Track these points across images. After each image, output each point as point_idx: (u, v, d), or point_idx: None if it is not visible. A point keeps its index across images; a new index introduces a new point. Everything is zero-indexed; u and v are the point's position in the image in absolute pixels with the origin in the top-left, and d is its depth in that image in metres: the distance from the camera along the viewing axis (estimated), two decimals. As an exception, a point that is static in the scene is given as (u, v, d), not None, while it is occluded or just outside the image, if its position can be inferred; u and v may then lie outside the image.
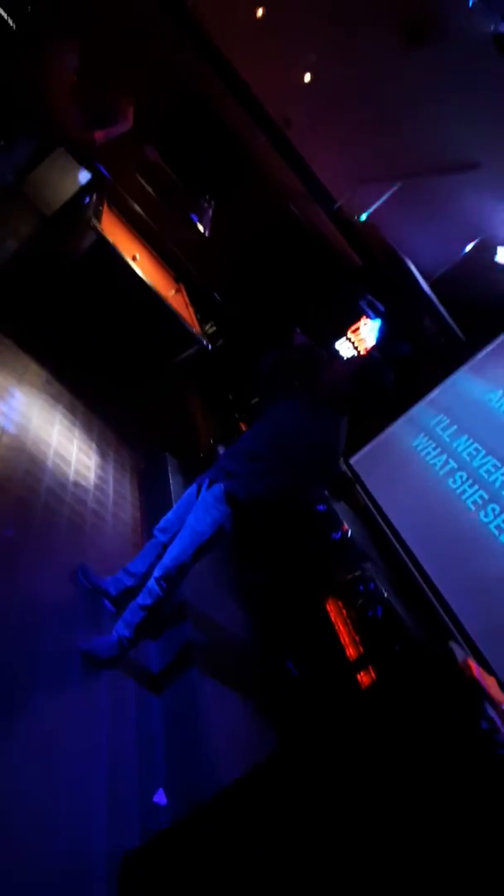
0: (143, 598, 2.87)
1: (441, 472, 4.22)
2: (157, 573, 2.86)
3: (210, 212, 6.33)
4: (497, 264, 4.79)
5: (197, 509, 2.89)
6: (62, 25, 6.44)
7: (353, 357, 2.87)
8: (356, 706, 2.45)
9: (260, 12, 5.22)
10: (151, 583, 2.86)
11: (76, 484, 3.95)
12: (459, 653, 1.84)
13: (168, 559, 2.86)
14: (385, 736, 1.94)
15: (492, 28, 3.32)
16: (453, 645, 2.27)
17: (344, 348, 6.76)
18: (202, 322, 7.15)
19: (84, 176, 7.92)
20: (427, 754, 1.67)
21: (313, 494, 3.50)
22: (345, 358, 2.89)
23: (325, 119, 5.78)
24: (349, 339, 6.76)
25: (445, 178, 4.74)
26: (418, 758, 1.69)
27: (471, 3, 3.36)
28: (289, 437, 2.81)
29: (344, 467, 4.73)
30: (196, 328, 6.13)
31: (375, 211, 5.51)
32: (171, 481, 4.62)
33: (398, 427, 5.03)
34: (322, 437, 2.80)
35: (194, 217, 6.26)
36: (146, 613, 2.86)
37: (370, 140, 5.38)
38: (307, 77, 5.35)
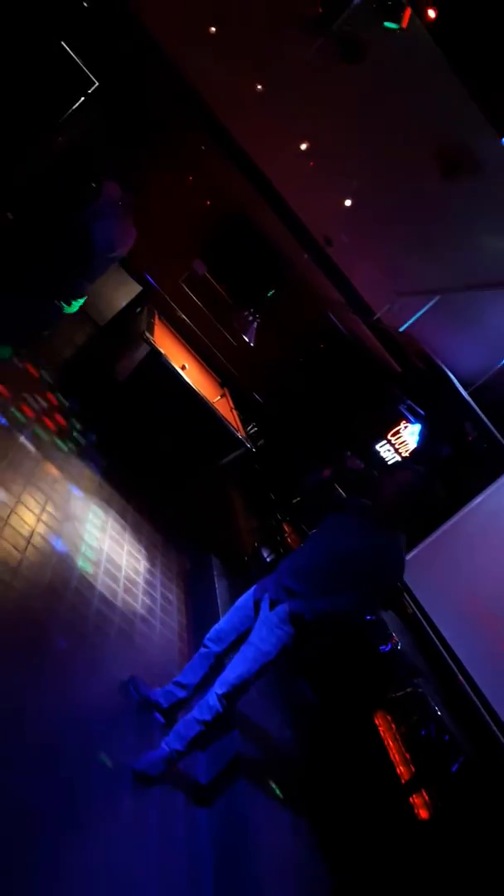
0: (200, 713, 2.86)
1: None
2: (219, 690, 2.85)
3: (255, 324, 6.67)
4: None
5: (260, 629, 2.91)
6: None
7: (404, 476, 2.93)
8: (413, 837, 2.38)
9: (304, 146, 5.69)
10: (212, 699, 2.85)
11: (126, 590, 4.02)
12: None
13: (232, 676, 2.87)
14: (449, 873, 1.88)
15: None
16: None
17: (384, 451, 6.87)
18: (244, 423, 7.38)
19: (135, 288, 8.48)
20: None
21: (375, 610, 3.50)
22: (397, 477, 2.95)
23: (364, 239, 6.14)
24: (390, 442, 6.88)
25: (482, 293, 4.95)
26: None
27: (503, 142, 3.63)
28: (349, 554, 2.85)
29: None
30: (241, 431, 6.33)
31: (414, 323, 5.74)
32: (216, 584, 4.66)
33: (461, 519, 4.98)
34: (381, 554, 2.84)
35: (245, 335, 6.59)
36: (203, 728, 2.84)
37: (408, 257, 5.69)
38: (348, 202, 5.74)
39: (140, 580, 4.29)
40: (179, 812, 2.94)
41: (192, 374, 6.22)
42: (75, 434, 5.20)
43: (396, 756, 3.68)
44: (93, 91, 7.23)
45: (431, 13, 3.05)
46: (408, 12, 3.04)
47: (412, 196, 4.92)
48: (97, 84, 7.16)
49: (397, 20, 3.02)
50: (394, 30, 3.04)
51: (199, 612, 4.49)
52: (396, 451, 6.68)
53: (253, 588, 3.17)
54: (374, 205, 5.55)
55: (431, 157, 4.22)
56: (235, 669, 2.89)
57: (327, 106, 4.66)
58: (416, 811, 3.29)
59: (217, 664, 3.09)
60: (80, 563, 3.76)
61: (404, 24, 3.08)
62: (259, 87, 5.06)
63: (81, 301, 4.98)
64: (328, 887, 3.07)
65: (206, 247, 8.25)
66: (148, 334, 5.66)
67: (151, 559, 4.66)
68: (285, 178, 6.46)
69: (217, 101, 6.31)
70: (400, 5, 3.03)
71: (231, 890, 2.64)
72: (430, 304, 5.51)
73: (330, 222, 6.44)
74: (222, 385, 7.53)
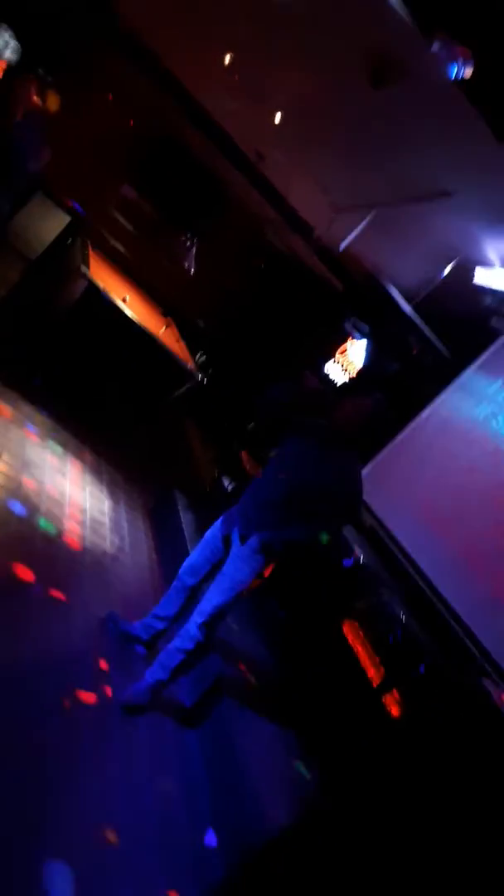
0: (182, 642, 3.00)
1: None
2: (198, 619, 2.98)
3: (193, 249, 6.51)
4: (475, 284, 4.98)
5: (234, 560, 3.02)
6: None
7: (361, 402, 2.99)
8: (389, 735, 2.60)
9: (228, 58, 5.42)
10: (193, 628, 2.98)
11: (94, 530, 4.08)
12: (494, 690, 1.97)
13: (209, 606, 2.99)
14: (425, 771, 2.07)
15: (454, 76, 3.52)
16: (486, 682, 2.40)
17: (333, 370, 6.95)
18: (191, 352, 7.31)
19: (64, 219, 8.11)
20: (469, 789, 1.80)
21: (341, 532, 3.64)
22: (354, 403, 3.01)
23: (296, 153, 5.98)
24: (338, 361, 6.95)
25: (419, 205, 4.94)
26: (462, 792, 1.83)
27: (432, 49, 3.54)
28: (311, 481, 2.92)
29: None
30: (189, 362, 6.29)
31: (353, 238, 5.70)
32: (182, 518, 4.75)
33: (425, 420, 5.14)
34: (343, 477, 2.94)
35: (184, 261, 6.43)
36: (185, 657, 2.99)
37: (343, 172, 5.59)
38: (278, 116, 5.55)
39: (106, 520, 4.34)
40: (169, 738, 3.11)
41: (133, 306, 6.09)
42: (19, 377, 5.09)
43: (367, 661, 3.93)
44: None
45: None
46: None
47: (343, 106, 4.80)
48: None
49: None
50: None
51: (167, 547, 4.59)
52: (344, 369, 6.77)
53: (220, 520, 3.26)
54: (305, 118, 5.39)
55: (360, 65, 4.10)
56: (212, 600, 3.02)
57: (251, 13, 4.43)
58: (388, 710, 3.57)
59: (192, 595, 3.22)
60: (42, 513, 3.77)
61: None
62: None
63: None
64: (318, 791, 3.32)
65: (135, 170, 7.89)
66: (84, 268, 5.48)
67: (115, 498, 4.71)
68: (210, 93, 6.17)
69: (136, 15, 5.90)
70: None
71: (227, 805, 2.83)
72: (368, 219, 5.47)
73: (261, 137, 6.23)
74: (165, 315, 7.40)
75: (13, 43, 4.84)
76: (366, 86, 4.19)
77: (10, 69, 6.13)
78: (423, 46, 3.44)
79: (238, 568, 2.99)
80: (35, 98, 4.48)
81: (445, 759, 2.31)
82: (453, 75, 3.53)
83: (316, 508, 2.91)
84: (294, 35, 4.27)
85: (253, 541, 2.98)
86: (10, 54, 6.10)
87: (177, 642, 3.02)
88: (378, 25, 3.53)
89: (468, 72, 3.31)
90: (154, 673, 3.04)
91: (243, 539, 3.01)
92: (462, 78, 3.55)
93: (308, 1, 3.82)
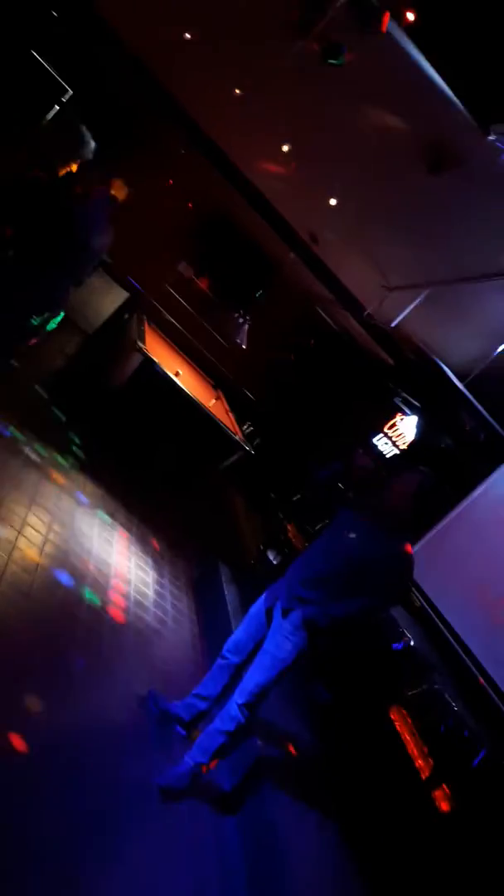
0: (222, 724, 2.89)
1: None
2: (239, 699, 2.89)
3: (246, 326, 6.67)
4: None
5: (275, 636, 2.95)
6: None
7: (410, 480, 2.96)
8: (438, 831, 2.42)
9: (286, 148, 5.68)
10: (233, 709, 2.88)
11: (137, 603, 4.04)
12: None
13: (251, 685, 2.90)
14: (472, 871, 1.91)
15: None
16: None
17: (381, 444, 6.89)
18: (239, 422, 7.39)
19: (122, 294, 8.45)
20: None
21: (387, 613, 3.53)
22: (403, 480, 2.98)
23: (350, 235, 6.15)
24: (386, 435, 6.90)
25: (474, 284, 4.97)
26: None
27: (489, 138, 3.63)
28: (359, 560, 2.88)
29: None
30: (237, 433, 6.35)
31: (405, 316, 5.75)
32: (225, 591, 4.68)
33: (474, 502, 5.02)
34: (391, 554, 2.88)
35: (236, 337, 6.59)
36: (226, 739, 2.88)
37: (397, 251, 5.70)
38: (333, 201, 5.74)
39: (150, 592, 4.30)
40: (208, 823, 2.97)
41: (185, 379, 6.22)
42: (74, 448, 5.20)
43: (415, 751, 3.72)
44: (68, 98, 7.20)
45: (410, 15, 3.06)
46: (387, 16, 3.05)
47: (398, 191, 4.93)
48: (71, 92, 7.14)
49: (339, 57, 3.17)
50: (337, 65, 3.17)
51: (210, 621, 4.51)
52: (394, 444, 6.71)
53: (264, 595, 3.20)
54: (359, 202, 5.56)
55: (417, 152, 4.23)
56: (254, 678, 2.92)
57: (309, 107, 4.66)
58: (437, 804, 3.34)
59: (237, 674, 3.12)
60: (88, 584, 3.76)
61: (383, 27, 3.09)
62: (237, 91, 5.04)
63: (59, 318, 4.81)
64: (358, 885, 3.11)
65: (192, 249, 8.23)
66: (140, 343, 5.66)
67: (159, 570, 4.68)
68: (269, 179, 6.45)
69: (196, 106, 6.29)
70: (377, 10, 3.04)
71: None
72: (421, 297, 5.53)
73: (315, 220, 6.44)
74: (215, 387, 7.54)
75: (92, 144, 5.19)
76: (422, 170, 4.31)
77: (85, 164, 6.55)
78: (480, 135, 3.54)
79: (279, 645, 2.91)
80: (102, 185, 4.73)
81: (496, 860, 2.11)
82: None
83: (363, 585, 2.86)
84: (354, 128, 4.45)
85: (296, 616, 2.91)
86: (87, 153, 6.53)
87: (217, 724, 2.92)
88: (435, 116, 3.65)
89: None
90: (194, 756, 2.92)
91: (286, 613, 2.95)
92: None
93: (366, 94, 4.00)
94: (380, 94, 3.89)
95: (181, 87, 6.15)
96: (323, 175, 5.57)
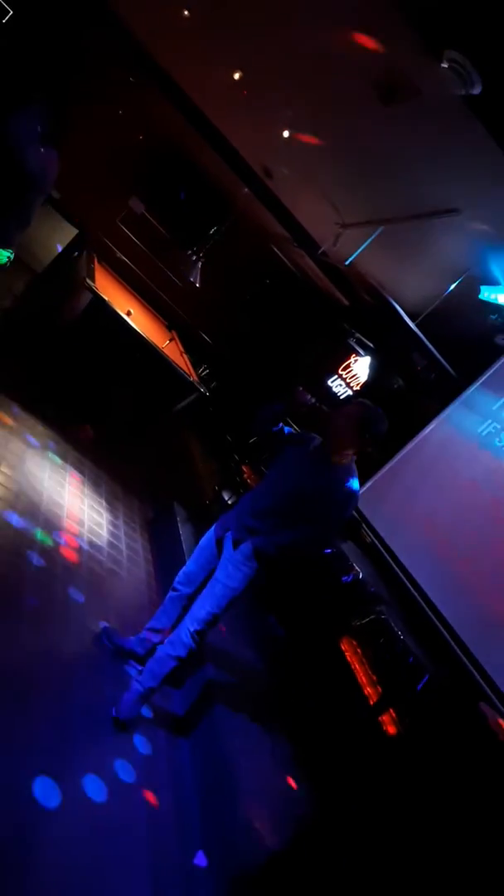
0: (174, 650, 2.96)
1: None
2: (190, 626, 2.96)
3: (199, 264, 6.52)
4: (480, 301, 4.97)
5: (226, 566, 3.01)
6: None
7: (351, 409, 3.00)
8: (385, 753, 2.55)
9: (237, 75, 5.46)
10: (185, 635, 2.95)
11: (91, 543, 4.04)
12: (490, 713, 1.93)
13: (202, 612, 2.97)
14: (419, 791, 2.03)
15: (462, 91, 3.53)
16: (483, 706, 2.35)
17: (336, 386, 6.92)
18: (195, 366, 7.31)
19: (71, 231, 8.16)
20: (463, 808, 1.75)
21: (333, 542, 3.61)
22: (343, 411, 3.02)
23: (304, 170, 6.00)
24: (341, 377, 6.93)
25: (427, 222, 4.93)
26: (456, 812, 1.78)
27: (442, 66, 3.55)
28: (303, 491, 2.95)
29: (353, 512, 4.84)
30: (192, 375, 6.28)
31: (359, 255, 5.70)
32: (180, 531, 4.71)
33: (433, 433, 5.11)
34: (333, 489, 2.94)
35: (190, 276, 6.44)
36: (177, 664, 2.96)
37: (350, 189, 5.60)
38: (286, 133, 5.57)
39: (104, 532, 4.31)
40: (162, 750, 3.06)
41: (138, 319, 6.09)
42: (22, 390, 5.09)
43: (364, 679, 3.87)
44: (7, 20, 6.74)
45: None
46: None
47: (352, 122, 4.81)
48: (11, 13, 6.68)
49: None
50: None
51: (165, 560, 4.55)
52: (348, 385, 6.74)
53: (214, 526, 3.26)
54: (313, 134, 5.41)
55: (369, 82, 4.11)
56: (205, 606, 2.99)
57: (260, 33, 4.46)
58: (384, 728, 3.50)
59: (189, 605, 3.17)
60: (41, 522, 3.74)
61: None
62: (186, 12, 4.79)
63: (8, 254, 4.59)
64: (310, 808, 3.26)
65: (143, 184, 7.94)
66: (89, 281, 5.49)
67: (113, 512, 4.67)
68: (219, 108, 6.21)
69: (142, 28, 5.96)
70: None
71: (218, 824, 2.77)
72: (374, 235, 5.47)
73: (269, 153, 6.25)
74: (169, 328, 7.41)
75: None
76: (375, 102, 4.20)
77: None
78: (433, 64, 3.45)
79: (230, 574, 2.97)
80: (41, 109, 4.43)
81: (440, 781, 2.26)
82: (462, 92, 3.53)
83: (309, 515, 2.94)
84: (306, 55, 4.29)
85: (246, 546, 2.98)
86: None
87: (168, 649, 2.99)
88: (388, 44, 3.54)
89: (477, 88, 3.31)
90: (144, 682, 2.99)
91: (236, 544, 3.02)
92: (471, 94, 3.56)
93: (319, 23, 3.85)
94: (330, 15, 3.73)
95: (128, 9, 5.82)
96: (275, 104, 5.38)
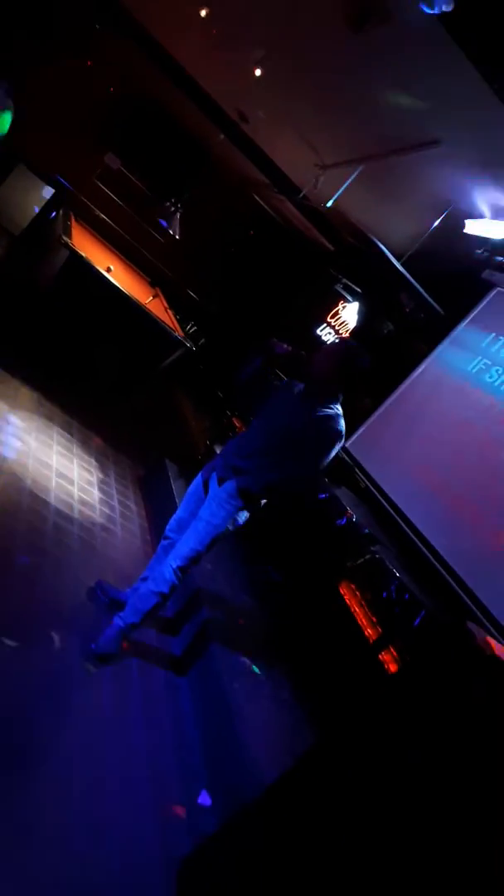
0: (156, 586, 2.96)
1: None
2: (174, 563, 2.96)
3: (178, 215, 6.37)
4: (466, 235, 4.85)
5: (210, 504, 3.00)
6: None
7: (330, 347, 2.96)
8: (386, 690, 2.56)
9: (204, 12, 5.24)
10: (168, 572, 2.95)
11: (82, 501, 4.02)
12: (478, 631, 1.92)
13: (186, 550, 2.97)
14: (418, 721, 2.03)
15: (434, 10, 3.37)
16: (471, 625, 2.35)
17: (325, 334, 6.83)
18: (182, 323, 7.21)
19: (47, 191, 7.96)
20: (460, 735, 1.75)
21: (319, 481, 3.58)
22: (323, 350, 2.98)
23: (279, 111, 5.81)
24: (330, 324, 6.83)
25: (406, 156, 4.79)
26: (453, 741, 1.77)
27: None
28: (289, 431, 2.94)
29: (343, 454, 4.81)
30: (178, 331, 6.19)
31: (341, 196, 5.55)
32: (173, 486, 4.69)
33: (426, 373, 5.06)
34: (317, 425, 2.91)
35: (164, 223, 6.30)
36: (159, 600, 2.96)
37: (327, 127, 5.43)
38: (257, 72, 5.37)
39: (95, 490, 4.28)
40: (160, 689, 3.09)
41: (118, 275, 5.98)
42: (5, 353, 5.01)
43: (363, 620, 3.89)
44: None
45: None
46: None
47: (324, 54, 4.63)
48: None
49: None
50: None
51: (158, 515, 4.52)
52: (337, 332, 6.65)
53: (201, 471, 3.25)
54: (285, 71, 5.22)
55: (340, 8, 3.94)
56: (189, 543, 2.99)
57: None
58: (385, 666, 3.52)
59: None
60: (29, 482, 3.71)
61: None
62: None
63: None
64: (312, 747, 3.30)
65: (118, 138, 7.71)
66: (65, 238, 5.37)
67: (104, 470, 4.64)
68: (189, 50, 5.98)
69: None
70: None
71: (220, 764, 2.80)
72: (354, 174, 5.32)
73: (242, 96, 6.05)
74: (153, 284, 7.28)
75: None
76: (346, 30, 4.03)
77: None
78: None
79: (214, 512, 2.97)
80: None
81: (440, 710, 2.28)
82: (434, 11, 3.37)
83: (295, 453, 2.92)
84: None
85: (230, 484, 2.98)
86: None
87: (151, 585, 2.99)
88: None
89: (449, 6, 3.16)
90: (126, 617, 2.99)
91: (221, 482, 3.02)
92: (443, 13, 3.40)
93: None
94: None
95: None
96: (246, 42, 5.17)
